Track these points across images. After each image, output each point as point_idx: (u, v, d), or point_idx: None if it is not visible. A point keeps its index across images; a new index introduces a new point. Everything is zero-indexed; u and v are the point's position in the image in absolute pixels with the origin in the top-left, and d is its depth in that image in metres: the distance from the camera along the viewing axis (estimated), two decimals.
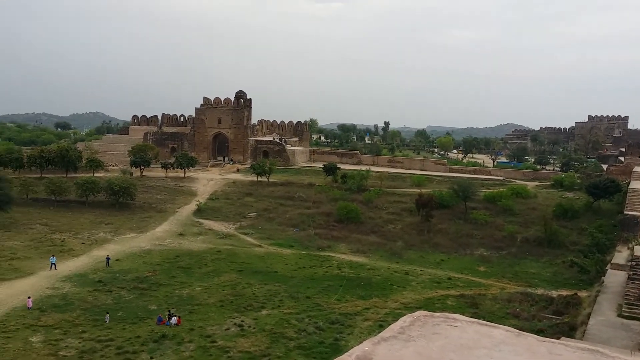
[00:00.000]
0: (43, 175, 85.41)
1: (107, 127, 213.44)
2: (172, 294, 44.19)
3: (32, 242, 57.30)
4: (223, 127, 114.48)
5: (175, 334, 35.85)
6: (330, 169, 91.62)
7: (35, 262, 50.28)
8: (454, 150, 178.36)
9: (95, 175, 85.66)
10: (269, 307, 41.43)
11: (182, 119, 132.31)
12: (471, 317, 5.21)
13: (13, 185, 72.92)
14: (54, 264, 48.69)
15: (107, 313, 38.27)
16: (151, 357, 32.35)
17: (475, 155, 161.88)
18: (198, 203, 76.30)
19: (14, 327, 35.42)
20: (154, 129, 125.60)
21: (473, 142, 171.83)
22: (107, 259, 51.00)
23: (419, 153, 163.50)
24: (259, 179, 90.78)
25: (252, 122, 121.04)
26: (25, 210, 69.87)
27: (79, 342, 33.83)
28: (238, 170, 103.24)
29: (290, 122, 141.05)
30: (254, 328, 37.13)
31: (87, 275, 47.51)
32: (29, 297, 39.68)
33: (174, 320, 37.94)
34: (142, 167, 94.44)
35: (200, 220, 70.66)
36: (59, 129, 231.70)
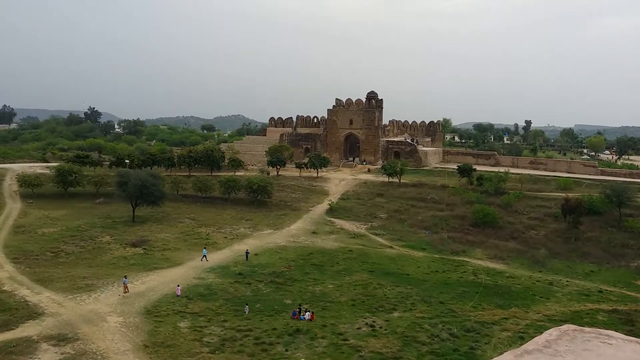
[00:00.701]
0: (191, 174, 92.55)
1: (247, 129, 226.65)
2: (306, 289, 45.27)
3: (181, 234, 62.22)
4: (354, 128, 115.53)
5: (309, 329, 36.58)
6: (465, 171, 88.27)
7: (183, 254, 54.49)
8: (606, 152, 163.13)
9: (236, 174, 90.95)
10: (400, 310, 40.73)
11: (315, 120, 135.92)
12: (626, 335, 4.63)
13: (165, 183, 79.75)
14: (205, 255, 52.38)
15: (247, 304, 40.21)
16: (286, 350, 33.32)
17: (631, 157, 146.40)
18: (330, 202, 77.71)
19: (165, 312, 38.53)
20: (289, 130, 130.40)
21: (629, 143, 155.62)
22: (247, 253, 53.72)
23: (565, 154, 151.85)
24: (390, 179, 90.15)
25: (383, 123, 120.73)
26: (175, 206, 76.15)
27: (221, 330, 35.86)
28: (369, 170, 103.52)
29: (423, 122, 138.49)
30: (386, 329, 36.68)
31: (229, 267, 50.41)
32: (178, 286, 42.99)
33: (307, 315, 38.79)
34: (278, 167, 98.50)
35: (332, 219, 71.85)
36: (205, 131, 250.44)
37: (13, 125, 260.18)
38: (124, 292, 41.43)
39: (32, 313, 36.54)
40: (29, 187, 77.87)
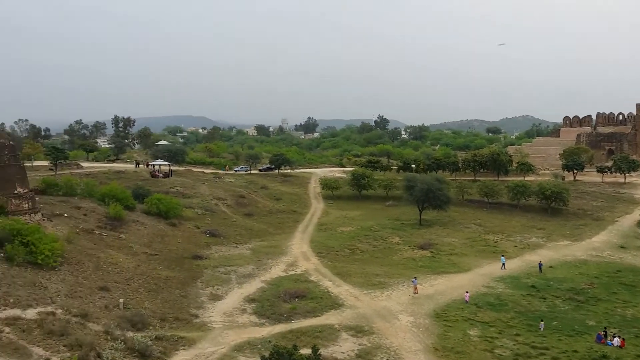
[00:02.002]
0: (476, 178, 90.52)
1: (536, 130, 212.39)
2: (613, 311, 39.38)
3: (467, 240, 61.09)
4: None
5: (618, 358, 31.54)
6: None
7: (471, 260, 53.26)
8: None
9: (526, 178, 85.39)
10: None
11: (620, 117, 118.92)
12: None
13: (450, 187, 79.60)
14: (504, 263, 50.35)
15: (542, 320, 36.87)
16: None
17: None
18: None
19: (454, 318, 37.97)
20: (588, 130, 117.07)
21: None
22: (540, 264, 49.58)
23: None
24: None
25: None
26: (461, 210, 75.35)
27: (513, 344, 33.57)
28: None
29: None
30: None
31: (519, 278, 47.25)
32: (467, 292, 41.99)
33: (616, 341, 33.60)
34: (575, 171, 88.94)
35: None
36: (490, 134, 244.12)
37: (316, 135, 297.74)
38: (414, 293, 42.41)
39: (333, 303, 40.20)
40: (329, 190, 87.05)
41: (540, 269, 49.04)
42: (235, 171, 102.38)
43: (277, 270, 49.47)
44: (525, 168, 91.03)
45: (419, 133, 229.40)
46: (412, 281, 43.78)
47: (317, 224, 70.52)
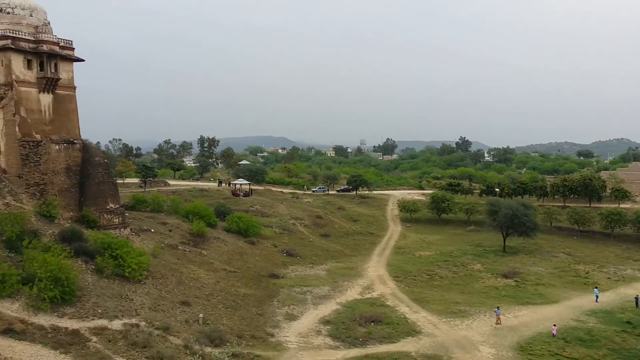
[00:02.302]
0: (566, 204, 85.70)
1: (633, 154, 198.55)
2: None
3: (555, 270, 57.60)
4: None
5: None
6: None
7: (559, 291, 50.06)
8: None
9: (621, 206, 79.81)
10: None
11: None
12: None
13: (537, 213, 75.80)
14: (597, 296, 47.07)
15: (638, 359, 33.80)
16: None
17: None
18: None
19: (539, 352, 35.61)
20: None
21: None
22: (637, 299, 45.68)
23: None
24: None
25: None
26: (548, 238, 71.40)
27: None
28: None
29: None
30: None
31: (613, 313, 43.74)
32: (554, 325, 39.35)
33: None
34: None
35: None
36: (581, 157, 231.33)
37: (394, 156, 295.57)
38: (496, 323, 40.30)
39: (410, 330, 38.99)
40: (408, 212, 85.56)
41: (637, 303, 45.19)
42: (313, 191, 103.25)
43: (352, 292, 48.92)
44: (621, 195, 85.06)
45: (504, 156, 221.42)
46: (495, 311, 41.66)
47: (394, 247, 69.38)
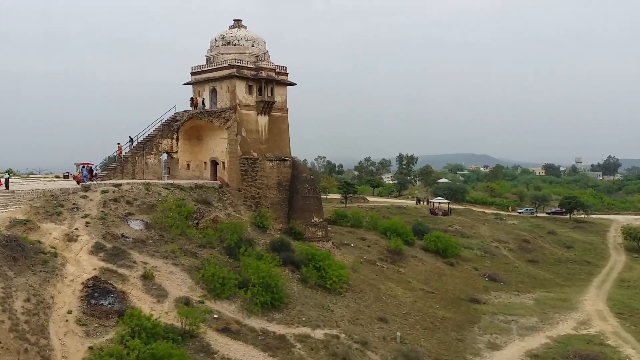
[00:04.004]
0: None
1: None
2: None
3: None
4: None
5: None
6: None
7: None
8: None
9: None
10: None
11: None
12: None
13: None
14: None
15: None
16: None
17: None
18: None
19: None
20: None
21: None
22: None
23: None
24: None
25: None
26: None
27: None
28: None
29: None
30: None
31: None
32: None
33: None
34: None
35: None
36: None
37: (617, 176, 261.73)
38: None
39: None
40: (635, 241, 74.63)
41: None
42: (519, 213, 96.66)
43: (565, 326, 43.82)
44: None
45: None
46: None
47: (616, 279, 60.77)
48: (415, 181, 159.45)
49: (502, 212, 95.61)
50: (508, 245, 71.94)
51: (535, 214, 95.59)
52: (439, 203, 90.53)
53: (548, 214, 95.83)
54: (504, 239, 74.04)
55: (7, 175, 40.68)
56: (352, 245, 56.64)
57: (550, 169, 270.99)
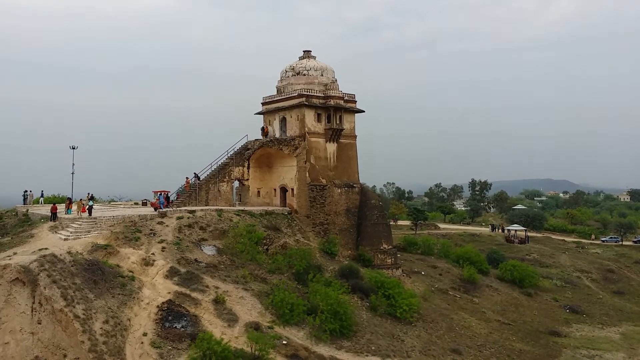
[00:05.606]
0: None
1: None
2: None
3: None
4: None
5: None
6: None
7: None
8: None
9: None
10: None
11: None
12: None
13: None
14: None
15: None
16: None
17: None
18: None
19: None
20: None
21: None
22: None
23: None
24: None
25: None
26: None
27: None
28: None
29: None
30: None
31: None
32: None
33: None
34: None
35: None
36: None
37: None
38: None
39: None
40: None
41: None
42: (603, 241, 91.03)
43: None
44: None
45: None
46: None
47: None
48: (489, 208, 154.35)
49: (583, 241, 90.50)
50: (591, 275, 67.70)
51: (620, 243, 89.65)
52: (515, 230, 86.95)
53: (634, 242, 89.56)
54: (586, 268, 69.79)
55: (90, 203, 43.26)
56: (422, 273, 55.31)
57: (636, 194, 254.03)
